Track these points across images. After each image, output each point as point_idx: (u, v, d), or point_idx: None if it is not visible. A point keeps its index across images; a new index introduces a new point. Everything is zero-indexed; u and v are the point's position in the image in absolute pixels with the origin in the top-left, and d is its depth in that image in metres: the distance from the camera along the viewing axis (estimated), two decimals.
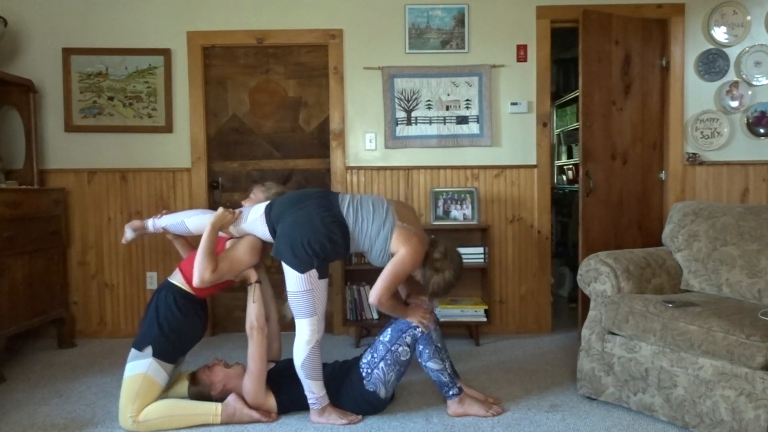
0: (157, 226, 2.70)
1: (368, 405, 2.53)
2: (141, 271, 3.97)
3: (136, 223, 2.73)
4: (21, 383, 3.06)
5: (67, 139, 3.92)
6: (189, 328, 2.51)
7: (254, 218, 2.54)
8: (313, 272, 2.38)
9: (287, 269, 2.40)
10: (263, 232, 2.52)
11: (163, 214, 2.74)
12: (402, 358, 2.47)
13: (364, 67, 3.90)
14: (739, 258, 2.71)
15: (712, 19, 3.87)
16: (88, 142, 3.93)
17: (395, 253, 2.44)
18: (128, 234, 2.74)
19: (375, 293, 2.42)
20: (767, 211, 2.80)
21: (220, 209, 2.52)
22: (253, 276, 2.57)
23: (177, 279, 2.55)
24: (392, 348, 2.46)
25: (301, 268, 2.38)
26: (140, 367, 2.41)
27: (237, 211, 2.58)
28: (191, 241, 2.79)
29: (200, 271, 2.41)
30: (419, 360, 2.52)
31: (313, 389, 2.46)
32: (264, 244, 2.61)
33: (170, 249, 3.85)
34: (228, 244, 2.60)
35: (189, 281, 2.52)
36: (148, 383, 2.40)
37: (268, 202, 2.58)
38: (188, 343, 2.57)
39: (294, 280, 2.39)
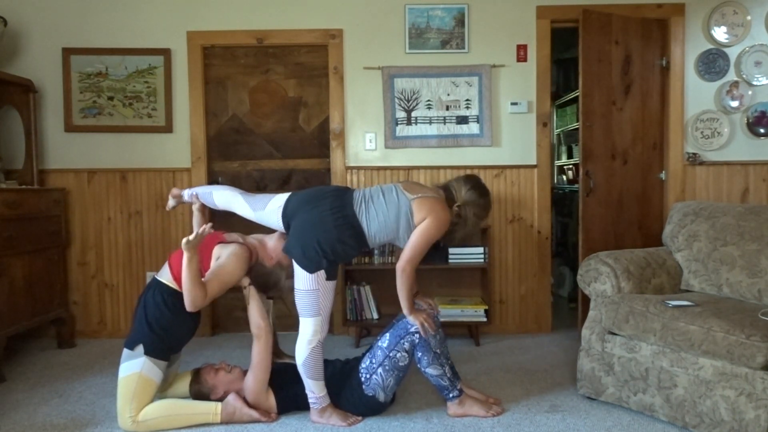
0: (190, 192, 2.82)
1: (368, 408, 2.52)
2: (141, 271, 3.97)
3: (175, 191, 2.90)
4: (21, 383, 3.06)
5: (67, 139, 3.92)
6: (179, 325, 2.50)
7: (272, 209, 2.56)
8: (322, 273, 2.40)
9: (297, 267, 2.42)
10: (277, 223, 2.55)
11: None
12: (400, 364, 2.46)
13: (364, 67, 3.90)
14: (739, 258, 2.71)
15: (712, 19, 3.87)
16: (88, 142, 3.93)
17: (420, 223, 2.45)
18: (170, 202, 2.91)
19: (402, 261, 2.45)
20: (767, 211, 2.80)
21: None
22: (244, 281, 2.55)
23: (165, 277, 2.52)
24: (390, 354, 2.45)
25: (310, 268, 2.39)
26: (134, 366, 2.41)
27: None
28: (207, 219, 2.78)
29: (192, 300, 2.35)
30: (418, 366, 2.51)
31: (314, 389, 2.46)
32: (250, 253, 2.58)
33: (170, 249, 3.85)
34: (215, 252, 2.55)
35: (177, 278, 2.49)
36: (143, 382, 2.40)
37: (288, 194, 2.59)
38: (179, 340, 2.56)
39: (302, 278, 2.41)
